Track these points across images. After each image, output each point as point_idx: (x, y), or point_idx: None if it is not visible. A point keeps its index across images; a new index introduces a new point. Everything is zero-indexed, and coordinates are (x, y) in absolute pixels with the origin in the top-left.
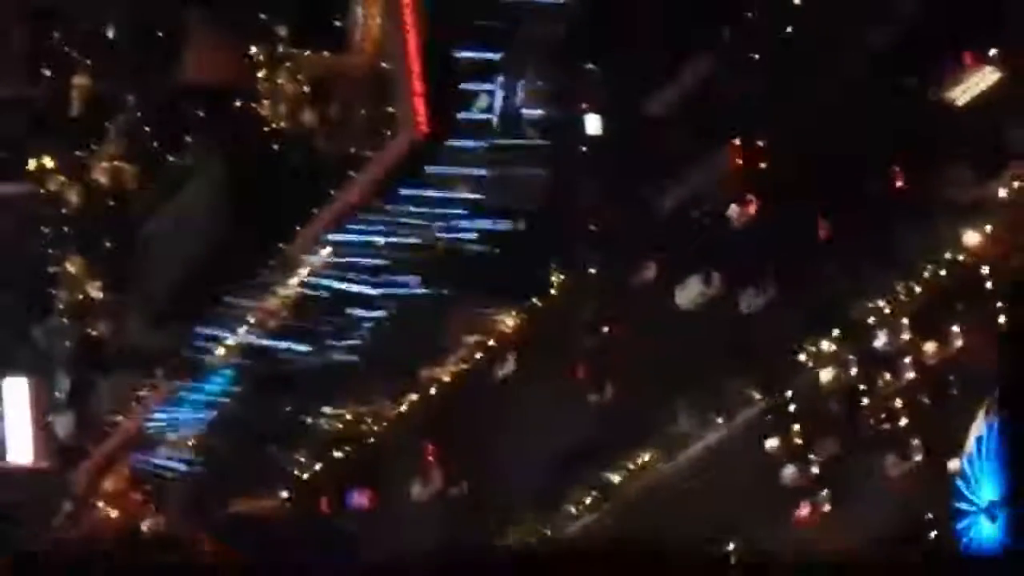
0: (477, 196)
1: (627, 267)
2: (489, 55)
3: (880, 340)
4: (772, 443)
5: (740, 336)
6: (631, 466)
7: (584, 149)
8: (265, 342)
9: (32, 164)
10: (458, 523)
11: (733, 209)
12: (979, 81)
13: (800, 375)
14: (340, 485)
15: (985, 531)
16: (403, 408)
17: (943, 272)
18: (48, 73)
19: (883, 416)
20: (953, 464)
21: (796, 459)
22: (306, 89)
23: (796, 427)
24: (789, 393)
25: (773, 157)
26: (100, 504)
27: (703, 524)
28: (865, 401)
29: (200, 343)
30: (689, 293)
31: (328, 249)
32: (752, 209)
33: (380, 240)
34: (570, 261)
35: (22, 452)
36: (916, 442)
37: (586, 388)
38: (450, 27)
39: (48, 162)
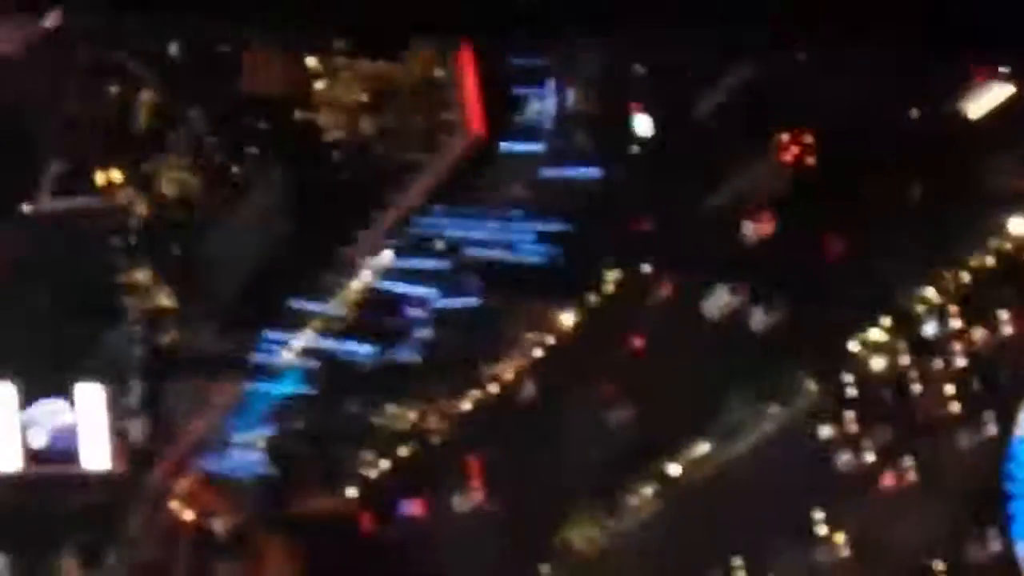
0: (532, 197)
1: (675, 268)
2: (540, 57)
3: (930, 328)
4: (827, 431)
5: (794, 327)
6: (690, 457)
7: (635, 150)
8: (330, 344)
9: (100, 178)
10: (513, 524)
11: (748, 227)
12: (993, 95)
13: (852, 363)
14: (390, 494)
15: None
16: (466, 406)
17: (990, 259)
18: (113, 89)
19: (936, 401)
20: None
21: (850, 446)
22: (363, 98)
23: (850, 414)
24: (844, 380)
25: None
26: (174, 506)
27: (763, 512)
28: (917, 388)
29: (267, 347)
30: (716, 302)
31: (388, 252)
32: (769, 228)
33: (438, 242)
34: (624, 260)
35: (97, 457)
36: (970, 425)
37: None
38: (500, 31)
39: (116, 175)
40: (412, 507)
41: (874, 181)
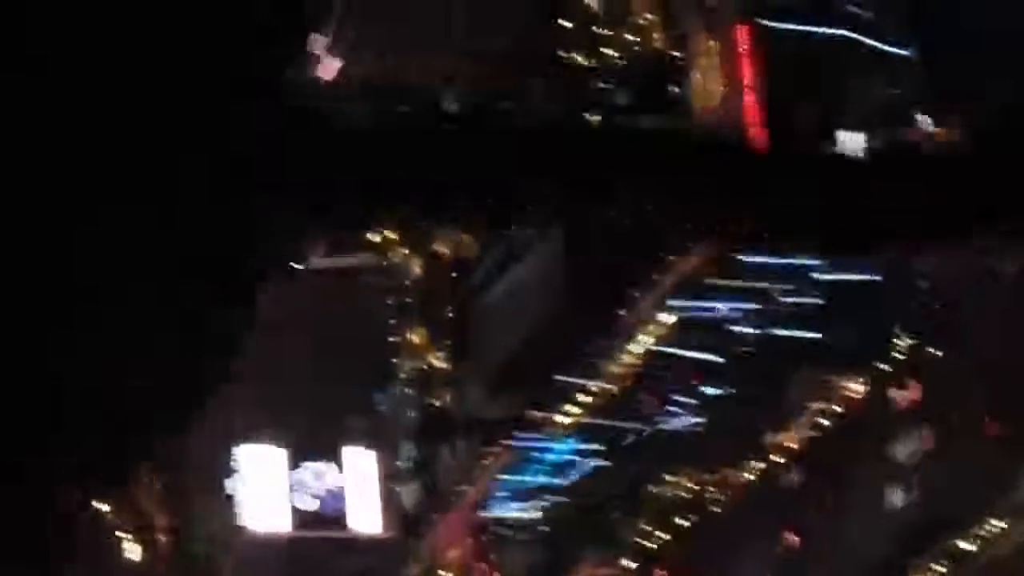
0: (819, 261)
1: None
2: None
3: None
4: None
5: None
6: (983, 533)
7: None
8: (606, 408)
9: (375, 236)
10: None
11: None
12: None
13: None
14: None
15: None
16: (748, 475)
17: None
18: None
19: None
20: None
21: None
22: None
23: None
24: None
25: None
26: (444, 574)
27: None
28: None
29: (542, 410)
30: (906, 448)
31: (669, 316)
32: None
33: (722, 306)
34: (914, 327)
35: (368, 522)
36: None
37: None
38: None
39: (391, 234)
40: None
41: None
